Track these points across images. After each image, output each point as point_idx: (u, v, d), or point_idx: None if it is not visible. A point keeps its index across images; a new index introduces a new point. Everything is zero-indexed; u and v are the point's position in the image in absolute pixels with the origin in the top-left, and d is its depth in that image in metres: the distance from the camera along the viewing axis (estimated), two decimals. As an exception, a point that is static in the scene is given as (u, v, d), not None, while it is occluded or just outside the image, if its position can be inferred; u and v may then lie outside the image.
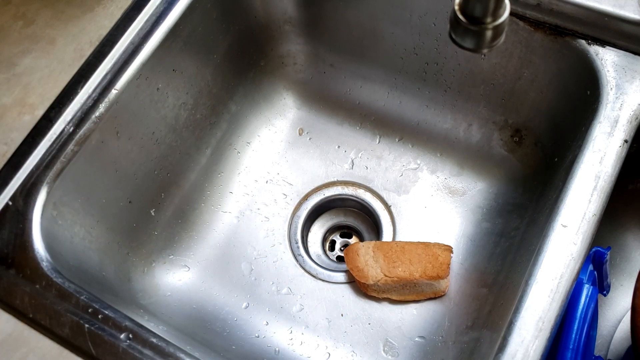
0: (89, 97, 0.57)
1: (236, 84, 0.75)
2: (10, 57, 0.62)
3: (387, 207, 0.73)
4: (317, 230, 0.75)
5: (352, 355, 0.64)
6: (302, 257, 0.71)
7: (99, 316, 0.48)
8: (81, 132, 0.56)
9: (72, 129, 0.56)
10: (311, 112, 0.79)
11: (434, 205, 0.72)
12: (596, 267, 0.54)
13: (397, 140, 0.76)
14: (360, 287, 0.67)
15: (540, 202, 0.63)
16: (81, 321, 0.48)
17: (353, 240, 0.75)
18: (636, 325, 0.50)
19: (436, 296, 0.66)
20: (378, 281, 0.64)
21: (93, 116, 0.57)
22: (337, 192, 0.75)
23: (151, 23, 0.61)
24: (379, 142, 0.76)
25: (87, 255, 0.58)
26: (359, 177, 0.75)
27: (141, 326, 0.48)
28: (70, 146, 0.55)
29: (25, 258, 0.51)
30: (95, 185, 0.59)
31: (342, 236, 0.75)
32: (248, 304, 0.68)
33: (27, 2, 0.65)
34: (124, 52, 0.59)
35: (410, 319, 0.66)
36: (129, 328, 0.48)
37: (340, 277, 0.69)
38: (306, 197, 0.74)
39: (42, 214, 0.53)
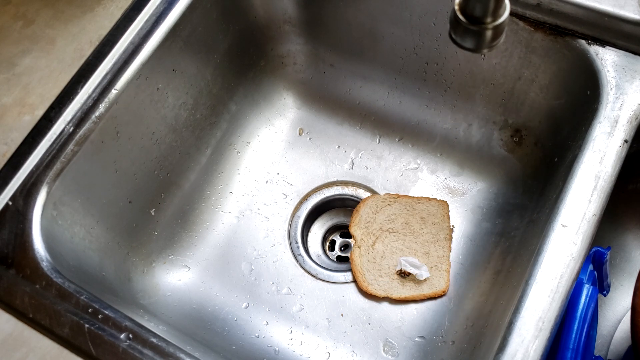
0: (89, 97, 0.57)
1: (236, 84, 0.75)
2: (10, 57, 0.62)
3: (387, 207, 0.73)
4: (317, 230, 0.75)
5: (352, 355, 0.64)
6: (302, 257, 0.71)
7: (99, 316, 0.48)
8: (81, 132, 0.56)
9: (72, 129, 0.56)
10: (311, 112, 0.79)
11: (434, 205, 0.72)
12: (596, 267, 0.54)
13: (397, 140, 0.76)
14: (360, 286, 0.67)
15: (540, 202, 0.63)
16: (81, 321, 0.48)
17: (353, 240, 0.75)
18: (636, 325, 0.50)
19: (436, 296, 0.66)
20: (378, 210, 0.68)
21: (93, 116, 0.57)
22: (337, 192, 0.75)
23: (151, 23, 0.61)
24: (379, 142, 0.76)
25: (87, 255, 0.58)
26: (359, 177, 0.75)
27: (141, 326, 0.48)
28: (70, 146, 0.55)
29: (25, 258, 0.51)
30: (95, 185, 0.59)
31: (342, 236, 0.75)
32: (248, 304, 0.68)
33: (27, 2, 0.66)
34: (124, 52, 0.59)
35: (410, 319, 0.66)
36: (129, 328, 0.48)
37: (340, 277, 0.69)
38: (306, 197, 0.74)
39: (42, 214, 0.53)
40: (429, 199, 0.71)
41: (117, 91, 0.58)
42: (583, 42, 0.57)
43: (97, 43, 0.61)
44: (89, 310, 0.48)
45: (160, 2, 0.62)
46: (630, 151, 0.52)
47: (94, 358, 0.47)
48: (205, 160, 0.73)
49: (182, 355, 0.47)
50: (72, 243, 0.57)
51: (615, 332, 0.67)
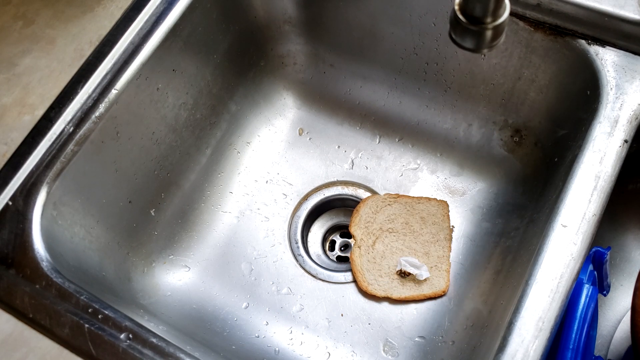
0: (89, 97, 0.57)
1: (236, 84, 0.75)
2: (10, 57, 0.62)
3: (387, 207, 0.73)
4: (317, 230, 0.75)
5: (352, 355, 0.65)
6: (302, 257, 0.71)
7: (99, 316, 0.48)
8: (81, 132, 0.56)
9: (72, 129, 0.56)
10: (311, 112, 0.79)
11: (434, 205, 0.72)
12: (596, 267, 0.54)
13: (397, 140, 0.76)
14: (360, 286, 0.67)
15: (540, 202, 0.63)
16: (81, 321, 0.48)
17: (353, 240, 0.75)
18: (636, 325, 0.50)
19: (436, 296, 0.66)
20: (378, 209, 0.67)
21: (93, 116, 0.57)
22: (337, 192, 0.75)
23: (151, 23, 0.61)
24: (379, 142, 0.76)
25: (87, 255, 0.58)
26: (359, 177, 0.75)
27: (141, 326, 0.48)
28: (70, 146, 0.55)
29: (25, 258, 0.51)
30: (95, 185, 0.59)
31: (342, 236, 0.75)
32: (248, 304, 0.68)
33: (27, 2, 0.66)
34: (124, 52, 0.59)
35: (410, 319, 0.66)
36: (129, 328, 0.48)
37: (340, 277, 0.69)
38: (306, 197, 0.74)
39: (42, 214, 0.53)
40: (429, 199, 0.71)
41: (117, 91, 0.58)
42: (583, 42, 0.57)
43: (97, 43, 0.61)
44: (89, 310, 0.48)
45: (160, 2, 0.62)
46: (630, 151, 0.52)
47: (94, 358, 0.47)
48: (205, 160, 0.73)
49: (182, 355, 0.47)
50: (72, 243, 0.57)
51: (615, 332, 0.67)
